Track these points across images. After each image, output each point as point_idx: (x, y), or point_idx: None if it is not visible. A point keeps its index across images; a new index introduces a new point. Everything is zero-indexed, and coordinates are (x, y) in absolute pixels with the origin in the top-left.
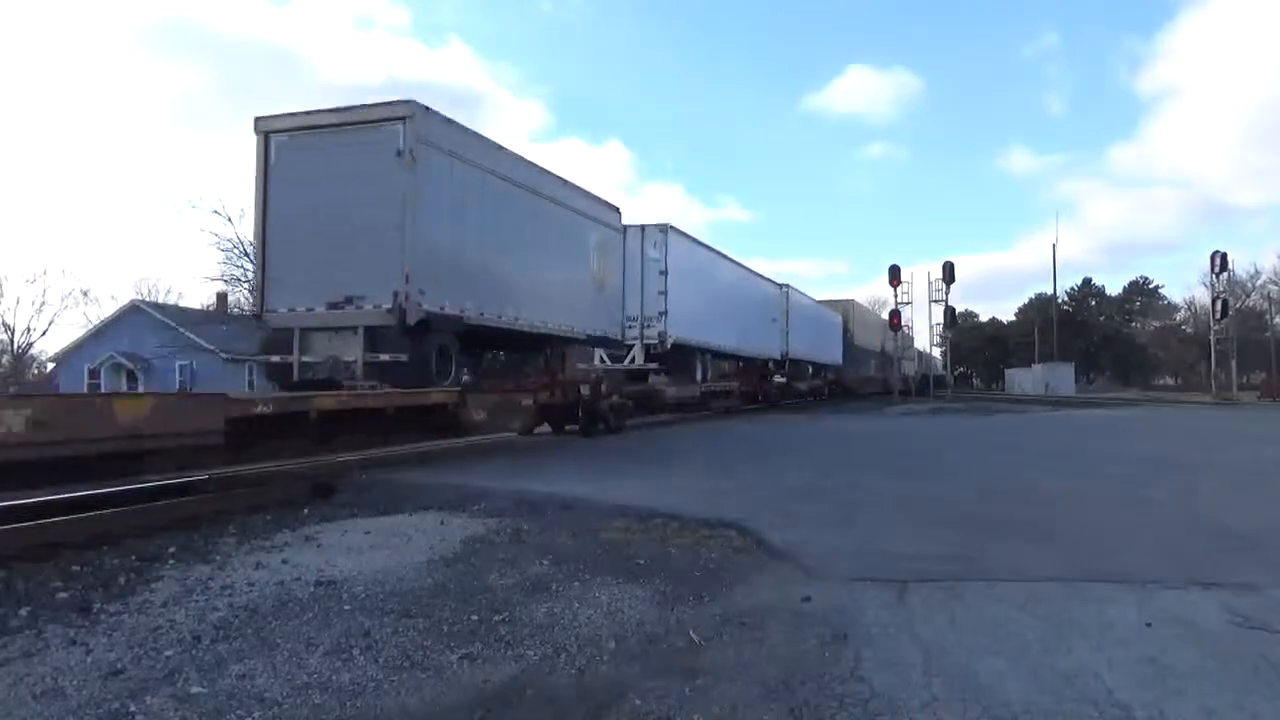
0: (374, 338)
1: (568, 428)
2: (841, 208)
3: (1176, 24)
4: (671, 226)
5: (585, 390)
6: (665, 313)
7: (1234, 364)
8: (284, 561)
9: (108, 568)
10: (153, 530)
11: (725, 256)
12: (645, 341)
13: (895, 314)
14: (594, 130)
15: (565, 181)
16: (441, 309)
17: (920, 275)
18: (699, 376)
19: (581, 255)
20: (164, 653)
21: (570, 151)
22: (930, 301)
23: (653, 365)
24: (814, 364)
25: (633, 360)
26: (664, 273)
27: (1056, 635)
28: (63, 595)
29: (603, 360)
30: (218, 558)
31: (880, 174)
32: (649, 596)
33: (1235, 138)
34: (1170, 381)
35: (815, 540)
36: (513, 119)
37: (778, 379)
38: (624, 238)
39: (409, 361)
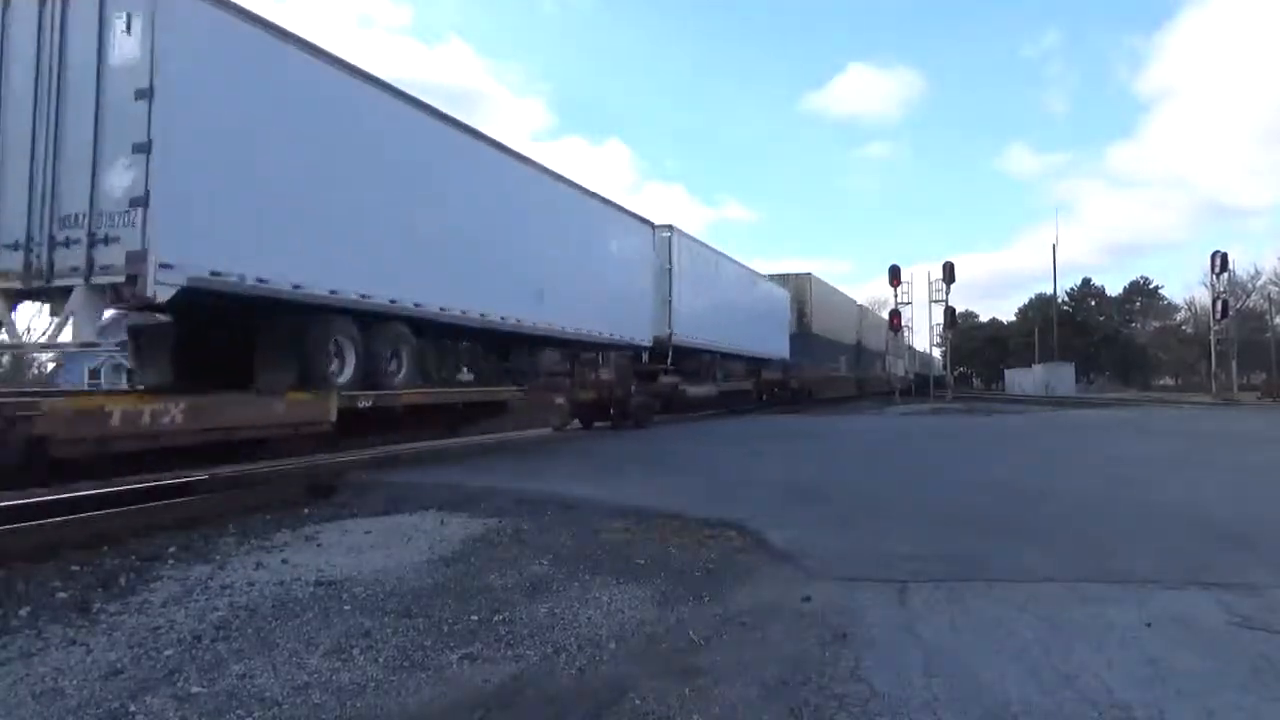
0: None
1: None
2: (843, 207)
3: (1177, 23)
4: None
5: None
6: (145, 198)
7: (1234, 364)
8: (284, 561)
9: (108, 568)
10: (153, 530)
11: (462, 127)
12: (95, 279)
13: (895, 314)
14: (595, 129)
15: None
16: None
17: (920, 275)
18: (351, 373)
19: None
20: (164, 652)
21: (571, 150)
22: (930, 302)
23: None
24: (736, 356)
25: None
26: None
27: (1057, 635)
28: (63, 595)
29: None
30: (218, 558)
31: (881, 173)
32: (649, 596)
33: (1236, 137)
34: (1170, 382)
35: (816, 540)
36: (513, 117)
37: (665, 379)
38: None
39: None
